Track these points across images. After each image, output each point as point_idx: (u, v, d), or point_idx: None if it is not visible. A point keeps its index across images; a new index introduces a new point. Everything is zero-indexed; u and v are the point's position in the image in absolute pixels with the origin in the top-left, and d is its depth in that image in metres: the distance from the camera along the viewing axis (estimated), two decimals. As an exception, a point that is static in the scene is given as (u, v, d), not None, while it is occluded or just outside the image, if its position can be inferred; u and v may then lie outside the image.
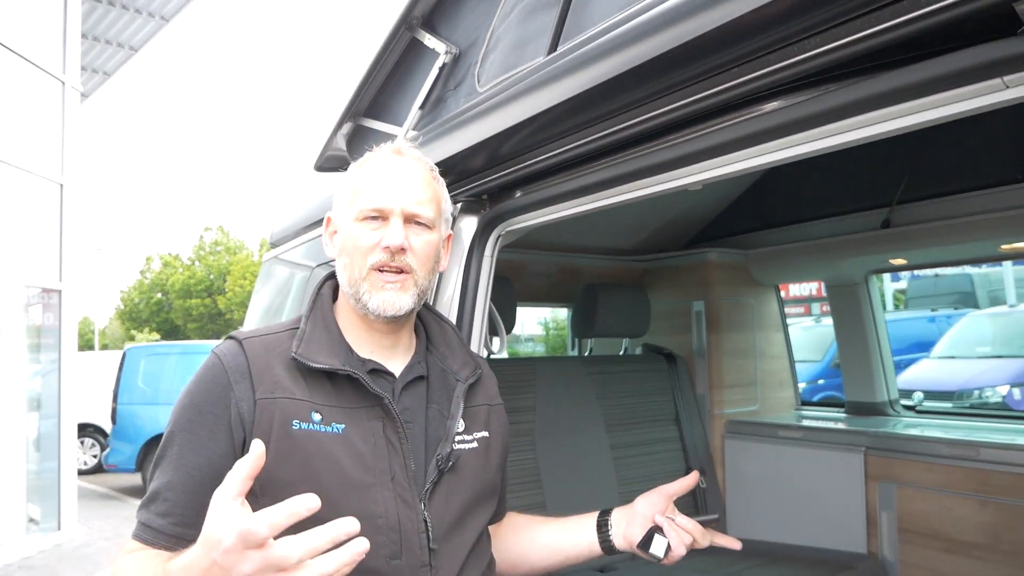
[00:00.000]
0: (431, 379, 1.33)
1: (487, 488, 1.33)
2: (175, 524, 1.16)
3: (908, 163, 2.76)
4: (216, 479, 1.13)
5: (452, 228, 1.95)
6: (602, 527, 1.45)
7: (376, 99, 2.99)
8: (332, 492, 1.13)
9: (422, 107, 2.59)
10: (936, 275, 15.08)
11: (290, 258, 2.84)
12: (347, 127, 3.17)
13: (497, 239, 2.03)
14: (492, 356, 2.18)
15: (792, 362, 3.56)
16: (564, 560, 1.48)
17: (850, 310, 3.26)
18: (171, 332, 37.81)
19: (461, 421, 1.31)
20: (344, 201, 1.34)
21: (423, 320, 1.43)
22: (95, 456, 11.99)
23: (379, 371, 1.28)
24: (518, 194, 1.95)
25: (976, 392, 9.37)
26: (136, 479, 10.40)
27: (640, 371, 3.24)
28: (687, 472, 3.13)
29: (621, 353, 3.41)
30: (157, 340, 33.64)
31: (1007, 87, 0.98)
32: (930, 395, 8.32)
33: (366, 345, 1.30)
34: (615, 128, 1.56)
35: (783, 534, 2.95)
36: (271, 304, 2.96)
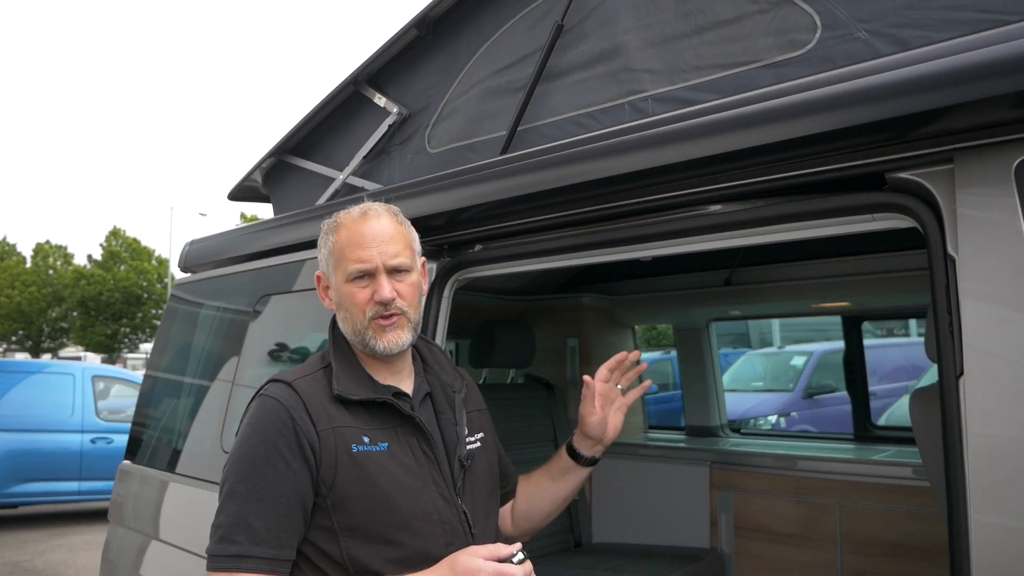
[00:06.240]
0: (435, 395, 1.59)
1: (495, 478, 1.64)
2: (270, 547, 1.34)
3: (746, 235, 3.49)
4: (299, 502, 1.40)
5: None
6: (568, 446, 1.76)
7: (305, 140, 3.21)
8: (394, 497, 1.41)
9: (366, 156, 2.89)
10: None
11: (221, 288, 2.95)
12: (268, 162, 3.36)
13: (454, 283, 2.36)
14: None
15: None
16: (560, 495, 1.78)
17: (693, 350, 3.97)
18: (-86, 346, 32.34)
19: (465, 427, 1.57)
20: (331, 264, 1.54)
21: (416, 346, 1.65)
22: None
23: (400, 394, 1.51)
24: (477, 247, 2.31)
25: (751, 421, 10.82)
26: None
27: (524, 398, 3.69)
28: (563, 486, 3.64)
29: (508, 382, 3.85)
30: None
31: (874, 220, 1.56)
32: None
33: (382, 372, 1.54)
34: (561, 214, 1.97)
35: (642, 536, 3.52)
36: (194, 341, 3.00)
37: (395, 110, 2.78)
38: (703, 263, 3.66)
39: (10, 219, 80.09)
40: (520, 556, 1.37)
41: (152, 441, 3.03)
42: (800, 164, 1.56)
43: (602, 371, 1.73)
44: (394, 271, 1.50)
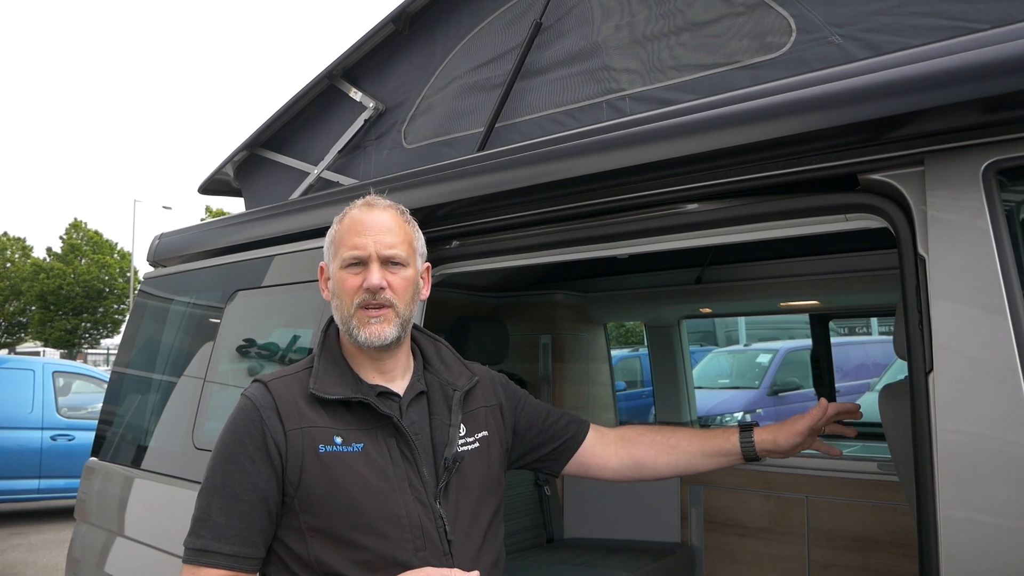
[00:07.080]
0: (431, 394, 1.53)
1: (492, 482, 1.54)
2: (231, 543, 1.35)
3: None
4: (262, 500, 1.40)
5: None
6: (744, 434, 1.73)
7: (279, 134, 3.17)
8: (358, 499, 1.38)
9: (341, 151, 2.87)
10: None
11: (192, 283, 2.90)
12: (241, 155, 3.31)
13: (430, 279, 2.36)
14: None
15: (614, 388, 4.24)
16: (697, 468, 1.76)
17: (664, 347, 4.01)
18: None
19: (462, 426, 1.51)
20: (330, 252, 1.54)
21: (418, 343, 1.63)
22: None
23: (386, 393, 1.49)
24: (454, 244, 2.31)
25: (718, 417, 10.96)
26: None
27: (498, 394, 3.70)
28: (536, 485, 3.67)
29: (481, 378, 3.85)
30: None
31: (847, 220, 1.59)
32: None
33: (370, 371, 1.50)
34: (539, 211, 1.98)
35: (614, 531, 3.55)
36: (164, 337, 2.95)
37: (371, 105, 2.76)
38: (675, 261, 3.70)
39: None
40: None
41: (120, 438, 2.98)
42: (775, 164, 1.59)
43: (836, 409, 1.75)
44: (388, 262, 1.48)
